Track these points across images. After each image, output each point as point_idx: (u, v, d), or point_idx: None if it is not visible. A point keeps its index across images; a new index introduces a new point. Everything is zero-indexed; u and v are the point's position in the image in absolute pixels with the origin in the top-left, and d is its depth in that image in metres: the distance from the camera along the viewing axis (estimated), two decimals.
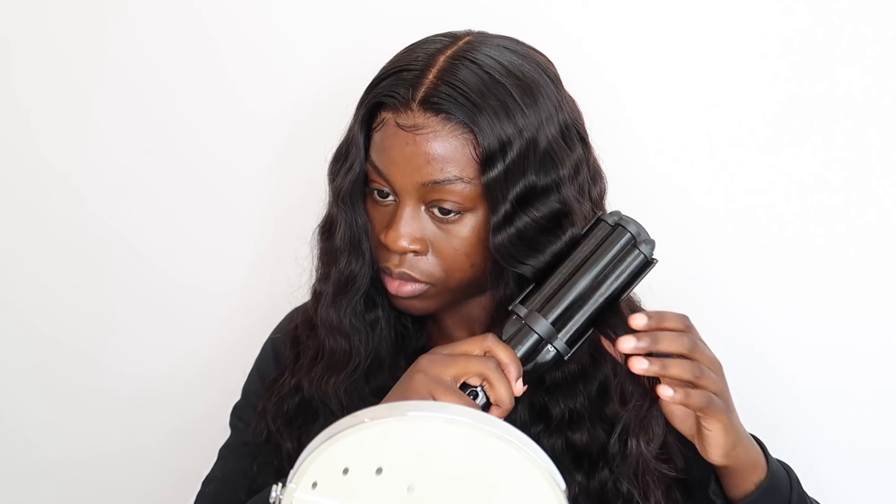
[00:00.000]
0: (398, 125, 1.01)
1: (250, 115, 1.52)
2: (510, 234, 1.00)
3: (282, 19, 1.50)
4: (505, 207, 0.99)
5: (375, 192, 1.05)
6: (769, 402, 1.38)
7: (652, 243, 1.01)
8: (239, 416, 1.23)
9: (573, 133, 1.05)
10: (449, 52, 1.02)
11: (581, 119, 1.08)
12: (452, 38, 1.05)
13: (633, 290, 1.03)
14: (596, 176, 1.09)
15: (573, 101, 1.08)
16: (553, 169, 1.01)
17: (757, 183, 1.39)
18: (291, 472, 0.82)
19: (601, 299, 0.99)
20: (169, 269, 1.58)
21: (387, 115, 1.02)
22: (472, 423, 0.82)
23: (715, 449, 0.98)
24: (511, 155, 0.99)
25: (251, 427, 1.17)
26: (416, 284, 1.04)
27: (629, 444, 1.06)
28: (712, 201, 1.41)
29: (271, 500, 0.82)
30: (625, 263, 1.00)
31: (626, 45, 1.41)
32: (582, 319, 0.99)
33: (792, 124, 1.37)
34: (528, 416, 1.08)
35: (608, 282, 0.99)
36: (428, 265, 1.03)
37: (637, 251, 1.00)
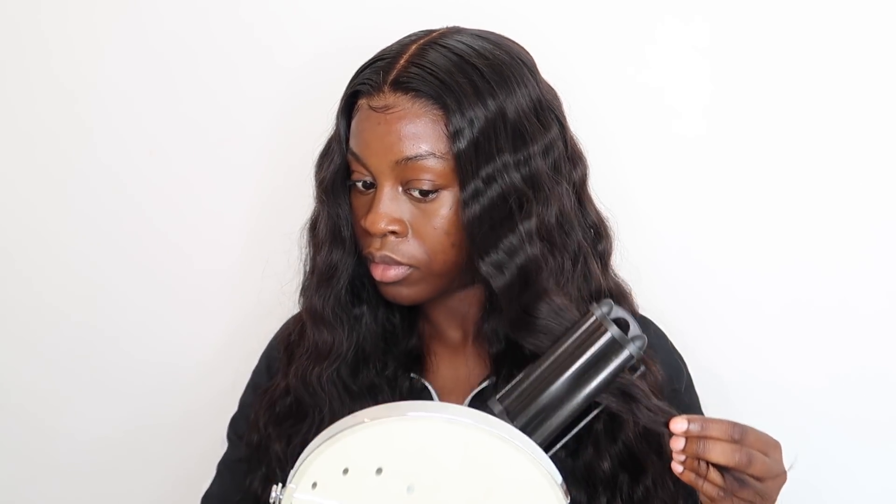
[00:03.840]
0: (371, 108, 1.03)
1: (243, 109, 1.51)
2: (482, 205, 1.00)
3: (262, 25, 1.50)
4: (475, 182, 1.00)
5: (357, 183, 1.06)
6: (768, 401, 1.40)
7: (642, 339, 0.96)
8: (234, 429, 1.23)
9: (548, 113, 1.06)
10: (422, 41, 1.05)
11: (558, 104, 1.09)
12: (428, 31, 1.08)
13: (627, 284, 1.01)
14: (575, 158, 1.10)
15: (550, 88, 1.09)
16: (523, 145, 1.02)
17: (762, 179, 1.39)
18: (291, 471, 0.82)
19: (578, 402, 0.95)
20: (170, 266, 1.57)
21: (361, 102, 1.04)
22: (473, 423, 0.82)
23: None
24: (479, 128, 1.00)
25: (244, 436, 1.17)
26: (400, 268, 1.04)
27: (620, 430, 1.07)
28: (709, 198, 1.41)
29: (271, 501, 0.82)
30: (608, 363, 0.95)
31: (625, 42, 1.41)
32: (555, 424, 0.95)
33: (790, 123, 1.38)
34: None
35: (588, 385, 0.95)
36: (409, 247, 1.04)
37: (623, 350, 0.95)
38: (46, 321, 1.61)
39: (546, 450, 0.94)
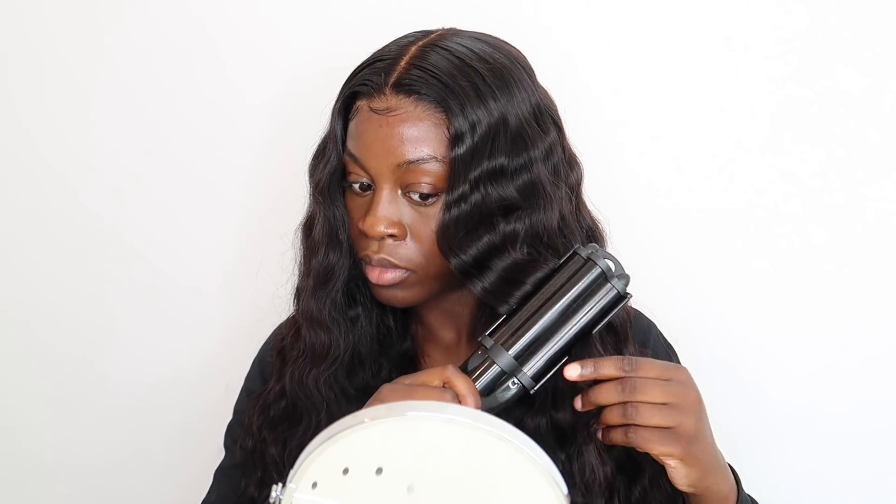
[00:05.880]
0: (371, 109, 1.02)
1: (236, 110, 1.52)
2: (462, 211, 1.00)
3: (255, 28, 1.50)
4: (463, 187, 1.00)
5: (354, 184, 1.05)
6: (761, 402, 1.41)
7: (626, 278, 1.00)
8: (231, 436, 1.22)
9: (547, 118, 1.06)
10: (421, 43, 1.04)
11: (555, 107, 1.09)
12: (426, 33, 1.07)
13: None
14: (572, 162, 1.10)
15: (546, 92, 1.10)
16: (524, 150, 1.02)
17: (754, 184, 1.40)
18: (291, 471, 0.82)
19: (569, 333, 0.98)
20: (164, 269, 1.57)
21: (361, 103, 1.03)
22: (472, 423, 0.82)
23: (677, 479, 0.97)
24: (480, 134, 1.00)
25: (238, 441, 1.17)
26: (397, 271, 1.04)
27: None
28: (708, 201, 1.42)
29: (271, 501, 0.82)
30: (595, 297, 0.98)
31: (623, 43, 1.42)
32: (547, 354, 0.98)
33: (791, 124, 1.38)
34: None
35: (577, 316, 0.98)
36: (407, 250, 1.03)
37: (609, 285, 0.98)
38: (40, 329, 1.61)
39: (537, 379, 0.99)
